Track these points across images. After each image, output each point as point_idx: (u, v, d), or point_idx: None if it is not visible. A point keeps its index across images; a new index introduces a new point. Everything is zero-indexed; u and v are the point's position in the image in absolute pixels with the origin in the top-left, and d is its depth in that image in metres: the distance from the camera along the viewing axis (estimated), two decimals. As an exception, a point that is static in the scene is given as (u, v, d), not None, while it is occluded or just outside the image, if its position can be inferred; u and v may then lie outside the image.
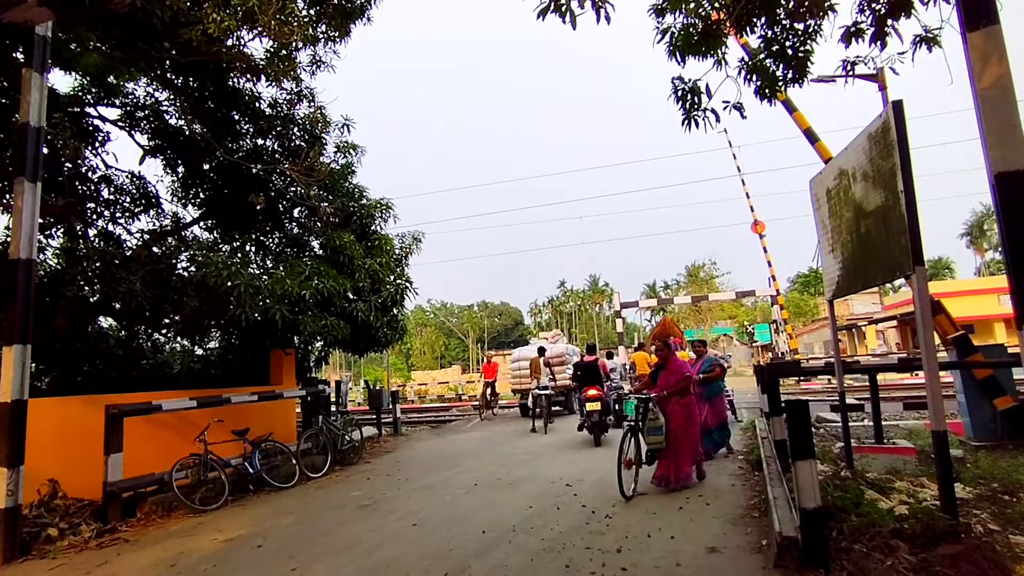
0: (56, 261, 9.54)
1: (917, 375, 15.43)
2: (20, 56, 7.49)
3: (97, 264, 8.37)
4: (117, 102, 9.83)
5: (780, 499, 4.83)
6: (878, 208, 4.74)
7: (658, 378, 6.67)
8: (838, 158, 5.71)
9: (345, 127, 11.42)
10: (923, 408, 9.25)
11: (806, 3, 5.20)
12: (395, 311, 11.81)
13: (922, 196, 4.27)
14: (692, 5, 5.21)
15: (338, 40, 9.68)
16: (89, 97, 9.56)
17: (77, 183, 9.37)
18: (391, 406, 14.68)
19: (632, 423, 6.43)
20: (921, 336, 4.19)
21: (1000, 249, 2.83)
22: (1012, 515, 4.47)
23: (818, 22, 5.47)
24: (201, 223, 11.13)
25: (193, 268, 8.93)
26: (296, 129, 10.84)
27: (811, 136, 8.84)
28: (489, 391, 16.84)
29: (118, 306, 8.63)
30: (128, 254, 8.86)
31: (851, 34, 5.46)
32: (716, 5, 5.34)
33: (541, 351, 14.40)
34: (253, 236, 11.30)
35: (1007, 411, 7.17)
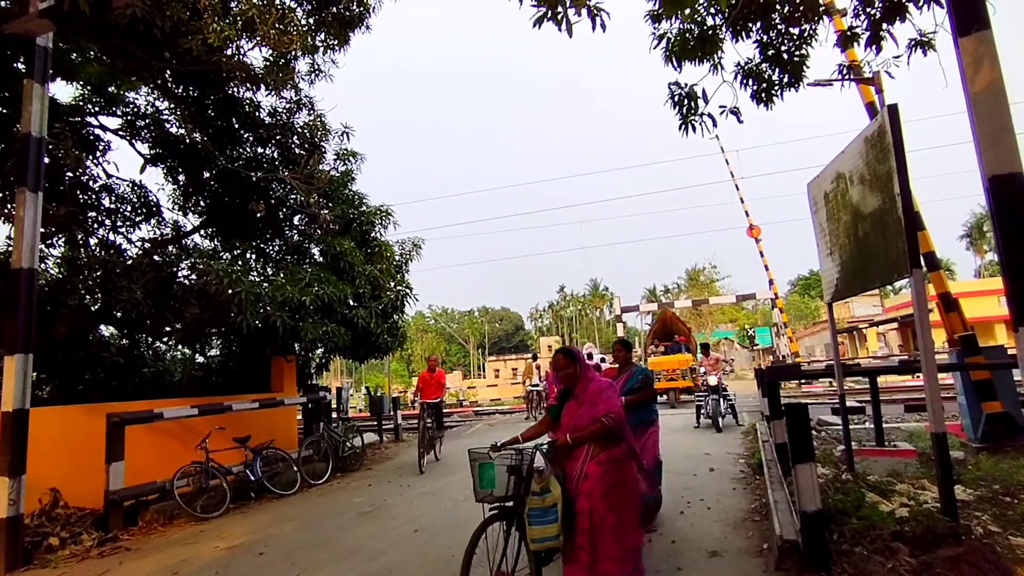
0: (57, 270, 9.57)
1: (918, 377, 15.40)
2: (21, 67, 7.54)
3: (98, 273, 8.40)
4: (118, 111, 9.89)
5: (781, 502, 4.83)
6: (875, 211, 4.76)
7: (562, 413, 3.65)
8: (835, 161, 5.74)
9: (345, 135, 11.47)
10: (924, 410, 9.24)
11: (801, 8, 5.24)
12: (395, 317, 11.83)
13: (922, 198, 4.30)
14: (688, 11, 5.25)
15: (337, 49, 9.76)
16: (90, 107, 9.62)
17: (78, 192, 9.41)
18: (392, 412, 14.67)
19: (501, 503, 3.46)
20: (920, 338, 4.20)
21: (996, 252, 2.85)
22: (1013, 517, 4.47)
23: (813, 27, 5.52)
24: (202, 231, 11.17)
25: (194, 276, 8.96)
26: (296, 137, 10.89)
27: (873, 111, 7.90)
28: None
29: (119, 314, 8.65)
30: (129, 263, 8.88)
31: (847, 38, 5.51)
32: (712, 11, 5.38)
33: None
34: (253, 244, 11.33)
35: (992, 416, 7.18)
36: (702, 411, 11.64)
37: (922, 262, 4.63)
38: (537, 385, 17.05)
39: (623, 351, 5.53)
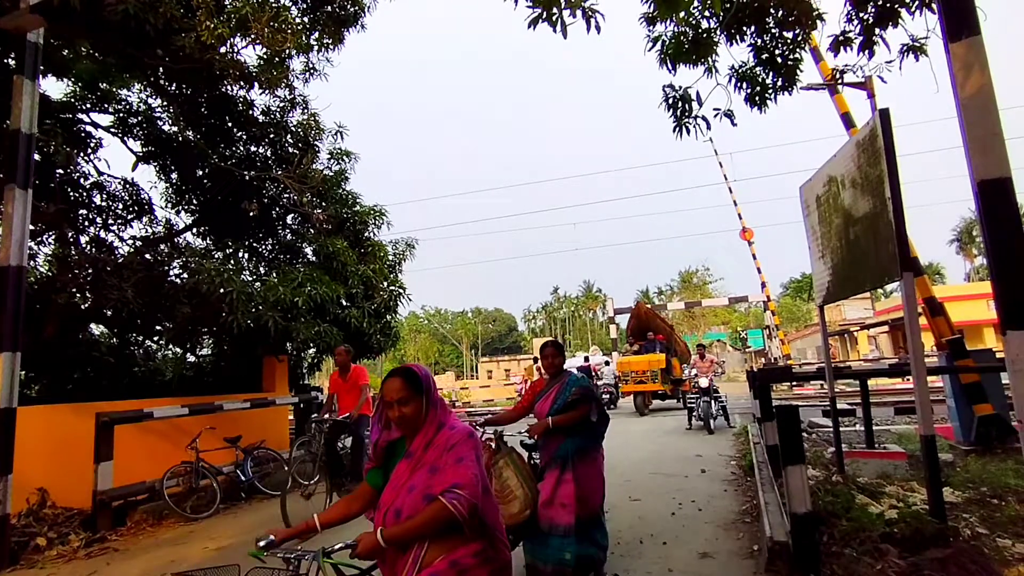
0: (47, 268, 9.49)
1: (908, 380, 15.51)
2: (11, 62, 7.47)
3: (89, 271, 8.33)
4: (110, 108, 9.82)
5: (771, 504, 4.85)
6: (866, 215, 4.79)
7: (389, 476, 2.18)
8: (827, 165, 5.77)
9: (338, 134, 11.44)
10: (914, 413, 9.28)
11: (795, 12, 5.28)
12: (388, 317, 11.79)
13: (913, 202, 4.33)
14: (682, 14, 5.27)
15: (331, 48, 9.72)
16: (82, 104, 9.54)
17: (69, 189, 9.33)
18: (384, 413, 14.59)
19: None
20: (909, 341, 4.23)
21: (985, 256, 2.88)
22: (1000, 519, 4.51)
23: (807, 31, 5.55)
24: (194, 230, 11.11)
25: (186, 275, 8.90)
26: (289, 136, 10.85)
27: (849, 122, 8.06)
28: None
29: (110, 313, 8.60)
30: (120, 261, 8.82)
31: (839, 43, 5.55)
32: (706, 14, 5.41)
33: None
34: (246, 243, 11.27)
35: (984, 418, 7.24)
36: (694, 413, 11.67)
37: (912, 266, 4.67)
38: None
39: (553, 356, 4.08)
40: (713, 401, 11.32)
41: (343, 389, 7.23)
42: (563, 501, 3.69)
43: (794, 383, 19.94)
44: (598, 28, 3.61)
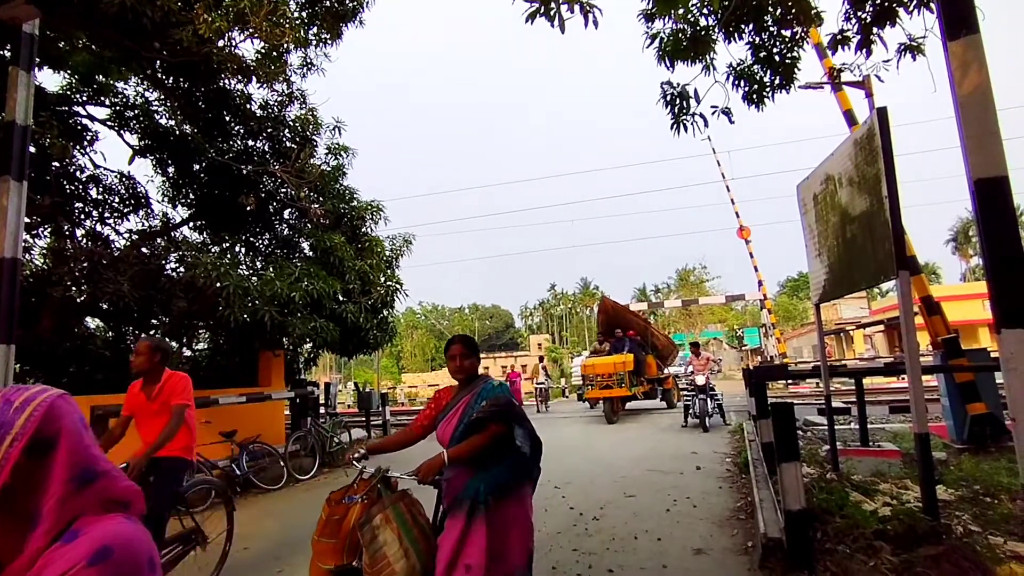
0: (43, 261, 9.46)
1: (903, 379, 15.58)
2: (7, 53, 7.43)
3: (84, 264, 8.31)
4: (106, 101, 9.78)
5: (766, 501, 4.88)
6: (863, 213, 4.80)
7: None
8: (824, 163, 5.78)
9: (336, 129, 11.41)
10: (908, 411, 9.32)
11: (793, 10, 5.27)
12: (385, 313, 11.79)
13: (909, 202, 4.35)
14: (681, 11, 5.26)
15: (330, 42, 9.68)
16: (78, 96, 9.50)
17: (65, 182, 9.30)
18: (380, 408, 14.63)
19: None
20: (904, 340, 4.24)
21: (981, 255, 2.89)
22: (993, 517, 4.53)
23: (805, 29, 5.55)
24: (191, 224, 11.08)
25: (182, 269, 8.89)
26: (287, 130, 10.82)
27: (851, 119, 8.05)
28: None
29: (105, 307, 8.57)
30: (116, 254, 8.79)
31: (837, 41, 5.54)
32: (705, 11, 5.40)
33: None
34: (243, 237, 11.25)
35: (977, 417, 7.28)
36: (690, 411, 11.70)
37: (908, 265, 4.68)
38: (543, 383, 19.01)
39: (462, 356, 2.98)
40: (709, 399, 11.34)
41: (146, 411, 4.37)
42: (468, 561, 2.56)
43: (790, 381, 20.02)
44: (596, 23, 3.60)
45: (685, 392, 13.08)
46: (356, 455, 2.96)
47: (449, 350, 3.01)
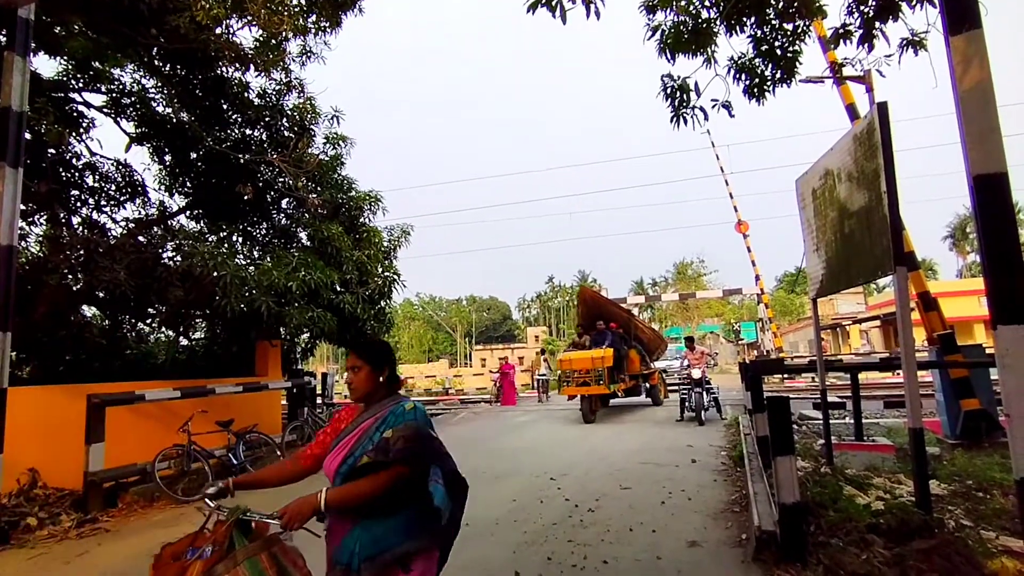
0: (39, 249, 9.42)
1: (898, 375, 15.63)
2: (2, 39, 7.36)
3: (81, 252, 8.27)
4: (103, 88, 9.70)
5: (760, 494, 4.90)
6: (862, 208, 4.80)
7: None
8: (824, 158, 5.78)
9: (335, 118, 11.35)
10: (903, 406, 9.39)
11: (795, 4, 5.24)
12: (383, 304, 11.78)
13: (907, 199, 4.34)
14: (683, 3, 5.23)
15: (329, 31, 9.60)
16: (74, 82, 9.42)
17: (61, 169, 9.24)
18: (378, 399, 14.63)
19: None
20: (900, 335, 4.26)
21: (979, 251, 2.89)
22: (985, 511, 4.57)
23: (807, 23, 5.52)
24: (188, 212, 11.03)
25: (179, 258, 8.84)
26: (285, 119, 10.77)
27: (853, 113, 8.01)
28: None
29: (102, 295, 8.54)
30: (113, 243, 8.75)
31: (839, 36, 5.51)
32: (706, 4, 5.37)
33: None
34: (240, 226, 11.21)
35: (971, 413, 7.32)
36: (686, 404, 11.73)
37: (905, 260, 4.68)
38: (544, 375, 20.30)
39: (354, 370, 2.24)
40: (705, 392, 11.38)
41: None
42: None
43: (785, 376, 20.09)
44: (598, 14, 3.58)
45: (676, 386, 12.97)
46: (210, 490, 2.21)
47: (352, 359, 2.26)
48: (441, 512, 2.10)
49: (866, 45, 5.39)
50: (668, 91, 5.55)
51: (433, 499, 2.07)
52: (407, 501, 2.05)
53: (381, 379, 2.25)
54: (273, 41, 8.49)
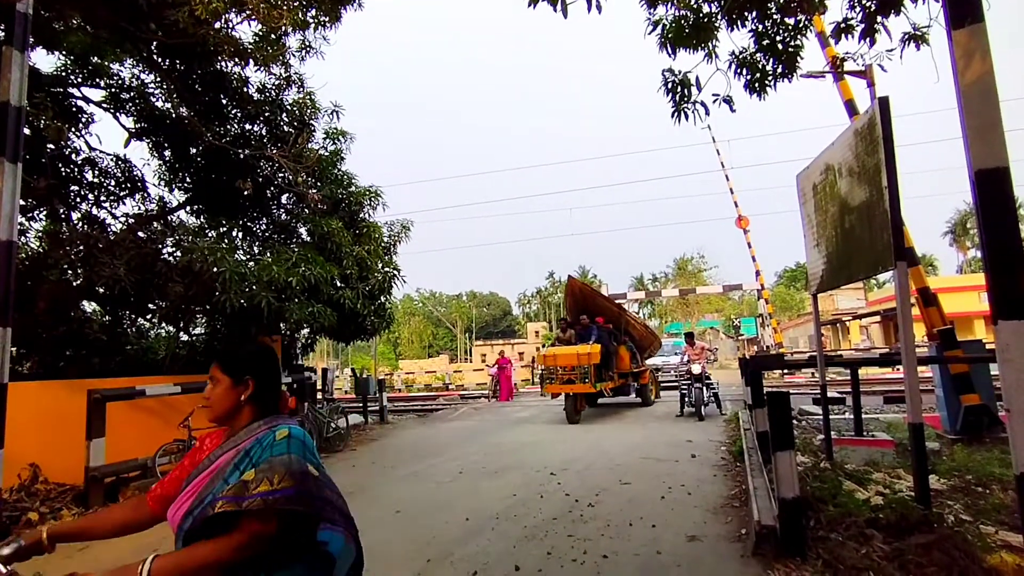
0: (39, 244, 9.40)
1: (898, 370, 15.64)
2: (1, 33, 7.34)
3: (80, 248, 8.26)
4: (102, 83, 9.67)
5: (760, 489, 4.91)
6: (862, 203, 4.79)
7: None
8: (824, 153, 5.76)
9: (335, 113, 11.33)
10: (903, 402, 9.40)
11: (797, -2, 5.21)
12: (383, 299, 11.79)
13: (908, 194, 4.33)
14: (684, -3, 5.21)
15: (328, 25, 9.58)
16: (73, 77, 9.40)
17: (60, 165, 9.22)
18: (377, 394, 14.68)
19: None
20: (901, 330, 4.26)
21: (980, 246, 2.88)
22: (984, 506, 4.58)
23: (809, 17, 5.50)
24: (187, 208, 11.02)
25: (179, 253, 8.84)
26: (284, 115, 10.74)
27: (852, 109, 7.99)
28: None
29: (102, 291, 8.53)
30: (112, 238, 8.74)
31: (841, 30, 5.49)
32: (708, -2, 5.34)
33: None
34: (240, 222, 11.20)
35: (971, 408, 7.33)
36: (686, 399, 11.74)
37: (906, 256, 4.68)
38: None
39: (214, 385, 1.71)
40: (705, 388, 11.39)
41: None
42: None
43: (785, 371, 20.12)
44: (599, 7, 3.57)
45: (670, 384, 12.90)
46: (3, 551, 1.58)
47: (214, 372, 1.72)
48: (336, 561, 1.64)
49: (868, 39, 5.37)
50: (669, 86, 5.53)
51: (328, 546, 1.62)
52: (294, 555, 1.54)
53: (243, 397, 1.67)
54: (272, 36, 8.46)
